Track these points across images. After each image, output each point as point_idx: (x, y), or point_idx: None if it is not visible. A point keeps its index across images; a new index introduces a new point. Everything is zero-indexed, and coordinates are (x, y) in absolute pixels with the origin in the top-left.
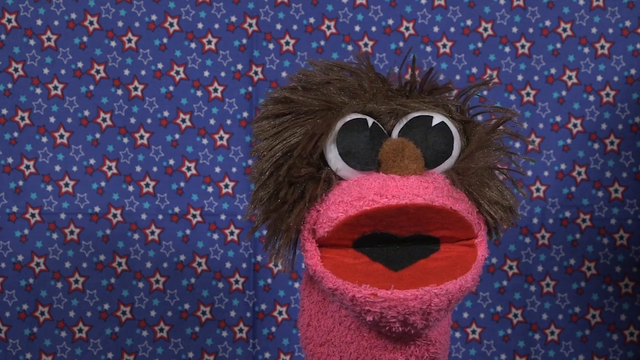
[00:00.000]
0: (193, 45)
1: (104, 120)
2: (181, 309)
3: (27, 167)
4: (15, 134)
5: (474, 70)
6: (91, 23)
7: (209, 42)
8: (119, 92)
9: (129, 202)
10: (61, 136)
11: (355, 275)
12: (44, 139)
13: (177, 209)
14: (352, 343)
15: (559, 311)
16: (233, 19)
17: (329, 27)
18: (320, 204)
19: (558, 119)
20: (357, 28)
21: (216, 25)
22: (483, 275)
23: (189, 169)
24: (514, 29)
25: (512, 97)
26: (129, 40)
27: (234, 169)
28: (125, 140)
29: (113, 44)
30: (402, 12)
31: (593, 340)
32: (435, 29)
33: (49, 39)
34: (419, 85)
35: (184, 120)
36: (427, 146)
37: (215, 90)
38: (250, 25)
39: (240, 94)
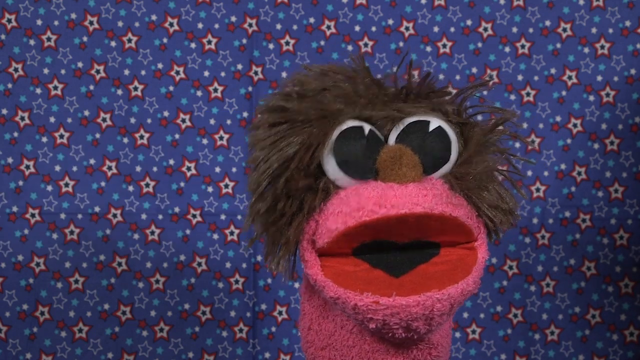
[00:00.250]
0: (193, 45)
1: (104, 120)
2: (181, 309)
3: (27, 167)
4: (15, 134)
5: (474, 70)
6: (91, 23)
7: (209, 42)
8: (119, 92)
9: (129, 202)
10: (61, 136)
11: (357, 283)
12: (44, 139)
13: (177, 209)
14: (353, 347)
15: (559, 311)
16: (233, 19)
17: (329, 27)
18: (318, 214)
19: (558, 119)
20: (357, 28)
21: (216, 25)
22: (483, 276)
23: (189, 169)
24: (514, 29)
25: (512, 97)
26: (129, 40)
27: (234, 169)
28: (125, 140)
29: (113, 44)
30: (402, 12)
31: (593, 340)
32: (435, 29)
33: (49, 39)
34: (416, 89)
35: (184, 120)
36: (424, 152)
37: (215, 90)
38: (250, 25)
39: (240, 94)
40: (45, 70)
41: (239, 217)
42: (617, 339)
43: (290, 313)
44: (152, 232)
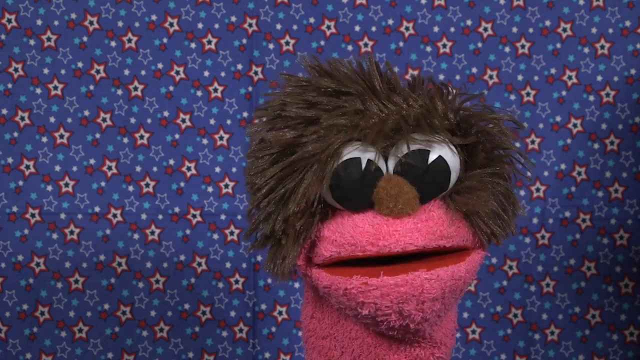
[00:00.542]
0: (193, 45)
1: (104, 120)
2: (181, 309)
3: (27, 167)
4: (15, 134)
5: (474, 70)
6: (91, 23)
7: (209, 42)
8: (119, 92)
9: (129, 202)
10: (61, 136)
11: (347, 270)
12: (44, 139)
13: (177, 209)
14: (356, 339)
15: (559, 311)
16: (233, 19)
17: (329, 27)
18: (315, 233)
19: (558, 119)
20: (357, 28)
21: (216, 25)
22: (483, 275)
23: (189, 169)
24: (514, 29)
25: (512, 97)
26: (129, 40)
27: (234, 169)
28: (125, 140)
29: (113, 44)
30: (402, 12)
31: (593, 340)
32: (435, 29)
33: (49, 39)
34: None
35: (184, 120)
36: (423, 182)
37: (215, 90)
38: (250, 25)
39: (240, 94)
40: (45, 70)
41: (239, 217)
42: (617, 339)
43: (290, 313)
44: (152, 232)
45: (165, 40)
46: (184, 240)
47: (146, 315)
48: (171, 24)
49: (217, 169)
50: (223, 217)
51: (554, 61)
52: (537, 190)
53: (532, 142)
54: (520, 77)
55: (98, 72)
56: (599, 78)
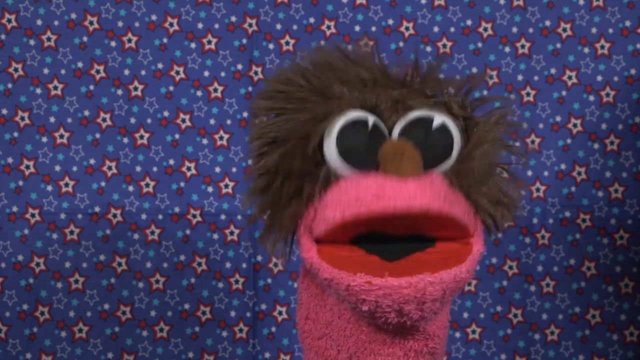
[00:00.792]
0: (193, 45)
1: (104, 120)
2: (181, 309)
3: (27, 167)
4: (15, 134)
5: (474, 70)
6: (91, 23)
7: (209, 42)
8: (119, 92)
9: (129, 202)
10: (61, 136)
11: (351, 265)
12: (44, 139)
13: (177, 209)
14: (351, 337)
15: (559, 311)
16: (233, 19)
17: (329, 27)
18: (317, 202)
19: (558, 119)
20: (357, 28)
21: (216, 25)
22: (483, 275)
23: (189, 169)
24: (514, 29)
25: (512, 97)
26: (129, 40)
27: (234, 169)
28: (125, 140)
29: (113, 44)
30: (402, 12)
31: (593, 340)
32: (435, 29)
33: (49, 39)
34: (422, 79)
35: (184, 120)
36: (427, 147)
37: (215, 90)
38: (250, 25)
39: (240, 94)
40: (45, 70)
41: (239, 217)
42: (617, 339)
43: (290, 313)
44: (152, 232)
45: (165, 40)
46: (184, 240)
47: (146, 315)
48: (171, 24)
49: (217, 169)
50: (223, 217)
51: (554, 61)
52: (537, 190)
53: (532, 142)
54: (520, 77)
55: (98, 72)
56: (599, 78)
